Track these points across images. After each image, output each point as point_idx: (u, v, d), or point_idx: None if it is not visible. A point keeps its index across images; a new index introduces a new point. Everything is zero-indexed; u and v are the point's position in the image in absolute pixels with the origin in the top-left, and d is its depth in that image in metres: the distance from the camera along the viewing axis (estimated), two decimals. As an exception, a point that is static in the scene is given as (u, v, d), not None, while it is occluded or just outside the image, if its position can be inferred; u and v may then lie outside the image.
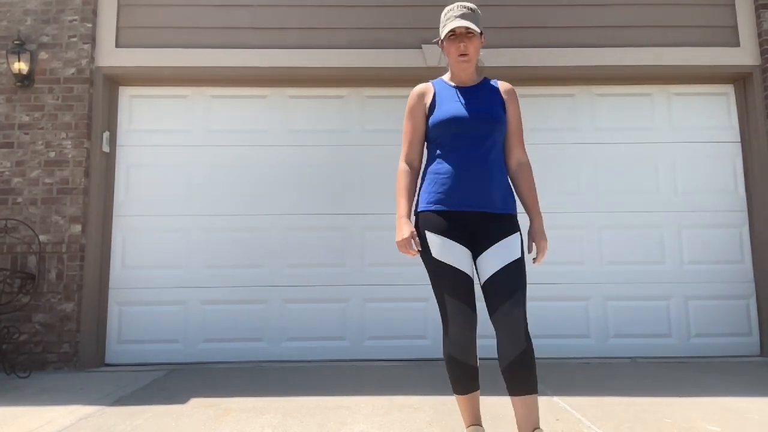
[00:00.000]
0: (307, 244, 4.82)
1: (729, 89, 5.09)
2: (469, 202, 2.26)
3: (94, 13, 4.83)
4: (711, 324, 4.80)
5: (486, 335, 4.76)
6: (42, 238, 4.49)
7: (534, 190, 2.40)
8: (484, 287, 2.29)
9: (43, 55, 4.71)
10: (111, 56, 4.82)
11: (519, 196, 2.41)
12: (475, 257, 2.30)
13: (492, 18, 4.95)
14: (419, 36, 4.91)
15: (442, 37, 2.44)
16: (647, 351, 4.72)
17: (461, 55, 2.38)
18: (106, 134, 4.79)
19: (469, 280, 2.26)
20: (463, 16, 2.35)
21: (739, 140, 5.01)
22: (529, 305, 4.91)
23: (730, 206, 4.94)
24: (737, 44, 4.95)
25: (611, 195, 4.94)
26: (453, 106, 2.35)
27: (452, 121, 2.31)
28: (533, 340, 2.29)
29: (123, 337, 4.72)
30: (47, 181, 4.58)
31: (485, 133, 2.31)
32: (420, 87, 2.48)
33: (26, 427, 2.86)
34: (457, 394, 2.34)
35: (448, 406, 3.12)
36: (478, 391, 2.34)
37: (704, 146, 5.01)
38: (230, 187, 4.89)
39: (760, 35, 4.91)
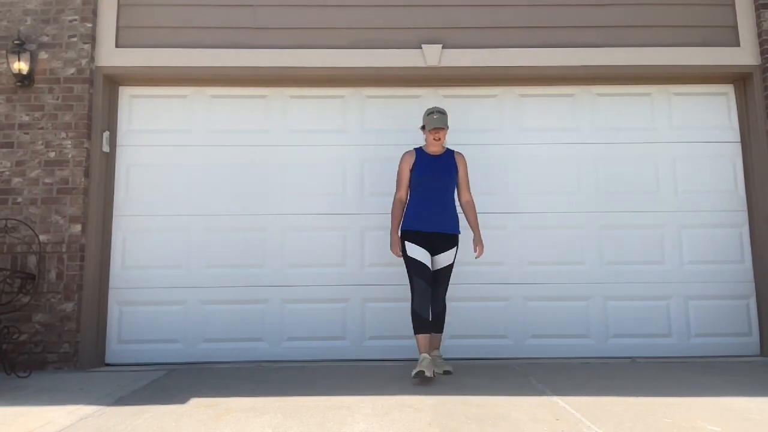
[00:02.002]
0: (307, 243, 4.83)
1: (729, 89, 5.09)
2: (431, 227, 3.94)
3: (94, 13, 4.83)
4: (711, 324, 4.80)
5: (484, 335, 4.78)
6: (42, 238, 4.49)
7: (476, 218, 4.13)
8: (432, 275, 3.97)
9: (43, 55, 4.71)
10: (111, 56, 4.82)
11: (467, 221, 4.13)
12: (432, 255, 3.97)
13: (492, 18, 4.98)
14: (419, 36, 4.91)
15: (427, 129, 4.02)
16: (647, 351, 4.72)
17: (435, 139, 4.02)
18: (106, 134, 4.79)
19: (428, 270, 3.92)
20: (438, 119, 3.98)
21: (739, 140, 5.01)
22: (530, 305, 4.96)
23: (730, 206, 4.94)
24: (737, 44, 4.95)
25: (611, 195, 4.94)
26: (426, 167, 4.02)
27: (425, 177, 4.00)
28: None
29: (123, 337, 4.72)
30: (47, 181, 4.58)
31: (444, 184, 4.02)
32: (409, 151, 4.12)
33: (26, 426, 2.86)
34: (417, 333, 3.85)
35: (448, 406, 3.12)
36: (430, 334, 3.87)
37: (704, 146, 5.01)
38: (230, 187, 4.89)
39: (760, 35, 4.91)
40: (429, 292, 3.86)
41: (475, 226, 4.10)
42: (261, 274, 4.80)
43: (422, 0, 4.96)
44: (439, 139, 4.00)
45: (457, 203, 4.11)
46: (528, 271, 4.84)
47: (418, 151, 4.11)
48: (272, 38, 4.90)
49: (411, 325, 4.70)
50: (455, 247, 4.01)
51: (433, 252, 3.96)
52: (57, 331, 4.42)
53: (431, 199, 3.97)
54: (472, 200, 4.14)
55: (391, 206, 4.12)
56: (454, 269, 4.12)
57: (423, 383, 3.63)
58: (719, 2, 5.02)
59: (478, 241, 4.07)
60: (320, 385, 3.72)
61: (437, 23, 4.95)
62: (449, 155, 4.11)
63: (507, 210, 4.89)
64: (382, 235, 4.70)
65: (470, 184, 4.16)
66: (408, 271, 3.94)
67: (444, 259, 3.98)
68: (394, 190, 4.12)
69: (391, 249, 4.03)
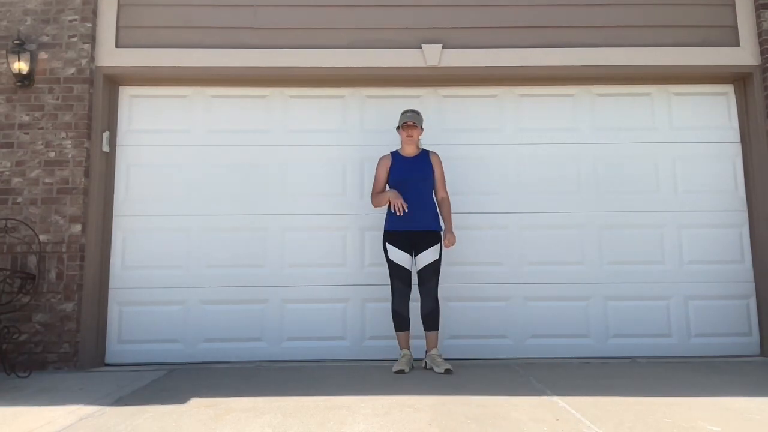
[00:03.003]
0: (307, 243, 4.83)
1: (729, 89, 5.09)
2: (411, 225, 4.12)
3: (94, 13, 4.83)
4: (711, 324, 4.80)
5: (484, 335, 4.78)
6: (42, 238, 4.49)
7: (449, 213, 4.24)
8: (418, 274, 4.16)
9: (43, 55, 4.71)
10: (111, 56, 4.82)
11: (442, 217, 4.24)
12: (415, 255, 4.18)
13: (492, 18, 4.98)
14: (419, 36, 4.91)
15: (399, 125, 4.28)
16: (647, 351, 4.72)
17: (408, 136, 4.24)
18: (106, 134, 4.79)
19: (408, 272, 4.16)
20: (411, 116, 4.24)
21: (739, 140, 5.01)
22: (530, 305, 4.96)
23: (730, 206, 4.94)
24: (737, 44, 4.95)
25: (611, 195, 4.94)
26: (402, 170, 4.22)
27: (401, 179, 4.19)
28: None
29: (123, 337, 4.72)
30: (47, 181, 4.58)
31: (420, 185, 4.18)
32: (385, 155, 4.33)
33: (26, 426, 2.86)
34: (397, 331, 4.15)
35: (448, 406, 3.12)
36: (409, 331, 4.15)
37: (704, 146, 5.01)
38: (230, 187, 4.89)
39: (760, 35, 4.91)
40: (407, 292, 4.14)
41: (447, 220, 4.23)
42: (261, 274, 4.80)
43: (422, 0, 4.97)
44: (411, 136, 4.22)
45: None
46: (528, 271, 4.84)
47: (395, 154, 4.30)
48: (272, 38, 4.90)
49: (410, 325, 4.74)
50: (438, 244, 4.15)
51: (417, 251, 4.15)
52: (57, 331, 4.42)
53: (409, 199, 4.11)
54: (448, 198, 4.29)
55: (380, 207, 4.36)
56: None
57: (428, 382, 3.63)
58: (719, 2, 5.02)
59: (447, 231, 4.18)
60: (320, 385, 3.72)
61: (437, 23, 4.95)
62: (424, 155, 4.29)
63: (507, 210, 4.89)
64: (381, 235, 4.70)
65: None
66: (389, 272, 4.18)
67: (427, 256, 4.11)
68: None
69: (393, 202, 4.13)
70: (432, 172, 4.25)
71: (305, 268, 4.81)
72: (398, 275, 4.13)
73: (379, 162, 4.31)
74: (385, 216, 4.28)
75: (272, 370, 4.31)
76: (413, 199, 4.13)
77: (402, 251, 4.14)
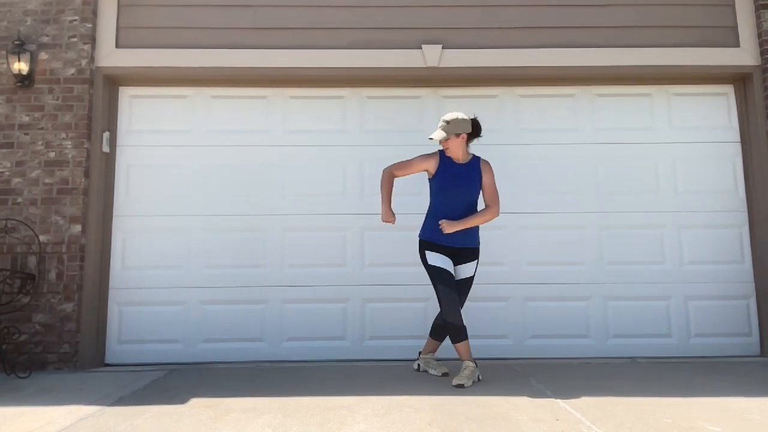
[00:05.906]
0: (307, 244, 4.83)
1: (729, 89, 5.09)
2: (452, 241, 3.76)
3: (94, 13, 4.83)
4: (711, 324, 4.80)
5: (484, 335, 4.78)
6: (42, 238, 4.49)
7: (478, 218, 3.79)
8: None
9: (43, 55, 4.71)
10: (111, 56, 4.82)
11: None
12: (454, 266, 3.80)
13: (492, 18, 4.98)
14: (419, 36, 4.91)
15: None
16: (647, 351, 4.72)
17: (444, 148, 3.83)
18: (106, 134, 4.79)
19: (452, 276, 3.75)
20: (442, 129, 3.78)
21: (739, 140, 5.01)
22: (530, 305, 4.97)
23: (730, 206, 4.94)
24: (737, 44, 4.95)
25: (611, 195, 4.94)
26: (449, 176, 3.81)
27: (447, 185, 3.81)
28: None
29: (123, 337, 4.72)
30: (47, 181, 4.58)
31: (466, 195, 3.82)
32: (432, 153, 3.89)
33: (26, 426, 2.86)
34: (456, 343, 3.68)
35: (448, 406, 3.12)
36: (468, 340, 3.71)
37: (704, 146, 5.01)
38: (230, 187, 4.89)
39: (760, 35, 4.91)
40: (457, 298, 3.68)
41: (471, 217, 3.77)
42: (261, 274, 4.80)
43: (422, 0, 4.97)
44: (448, 148, 3.80)
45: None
46: (528, 271, 4.84)
47: (442, 155, 3.87)
48: (272, 38, 4.90)
49: (411, 325, 4.72)
50: (476, 260, 3.88)
51: (454, 263, 3.81)
52: (57, 331, 4.42)
53: (456, 212, 3.76)
54: (492, 206, 3.84)
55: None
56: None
57: (427, 382, 3.62)
58: (719, 2, 5.02)
59: (462, 222, 3.74)
60: (320, 385, 3.72)
61: (437, 23, 4.95)
62: (475, 164, 3.87)
63: (507, 210, 4.86)
64: (382, 235, 4.71)
65: None
66: (432, 280, 3.76)
67: (465, 270, 3.83)
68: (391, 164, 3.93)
69: (382, 218, 3.84)
70: (480, 181, 3.84)
71: (305, 268, 4.81)
72: (443, 281, 3.68)
73: (423, 155, 3.88)
74: (423, 224, 3.91)
75: (272, 370, 4.31)
76: (457, 211, 3.75)
77: (444, 255, 3.75)
